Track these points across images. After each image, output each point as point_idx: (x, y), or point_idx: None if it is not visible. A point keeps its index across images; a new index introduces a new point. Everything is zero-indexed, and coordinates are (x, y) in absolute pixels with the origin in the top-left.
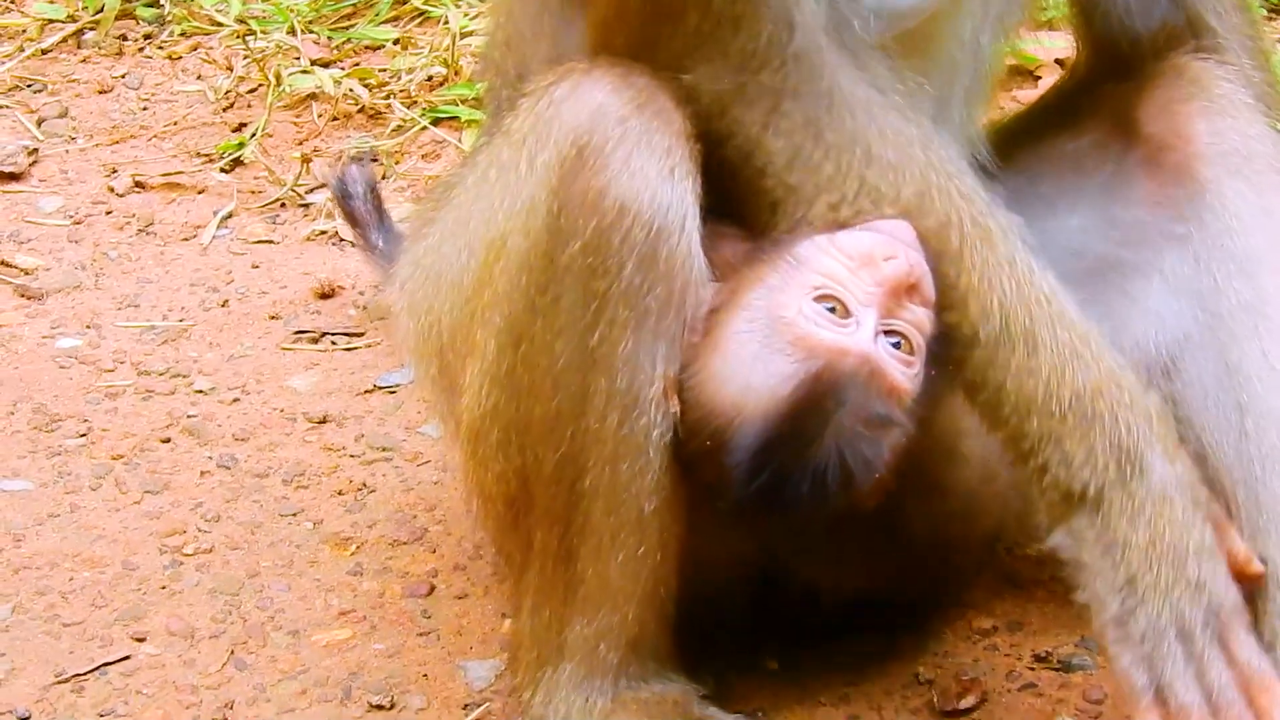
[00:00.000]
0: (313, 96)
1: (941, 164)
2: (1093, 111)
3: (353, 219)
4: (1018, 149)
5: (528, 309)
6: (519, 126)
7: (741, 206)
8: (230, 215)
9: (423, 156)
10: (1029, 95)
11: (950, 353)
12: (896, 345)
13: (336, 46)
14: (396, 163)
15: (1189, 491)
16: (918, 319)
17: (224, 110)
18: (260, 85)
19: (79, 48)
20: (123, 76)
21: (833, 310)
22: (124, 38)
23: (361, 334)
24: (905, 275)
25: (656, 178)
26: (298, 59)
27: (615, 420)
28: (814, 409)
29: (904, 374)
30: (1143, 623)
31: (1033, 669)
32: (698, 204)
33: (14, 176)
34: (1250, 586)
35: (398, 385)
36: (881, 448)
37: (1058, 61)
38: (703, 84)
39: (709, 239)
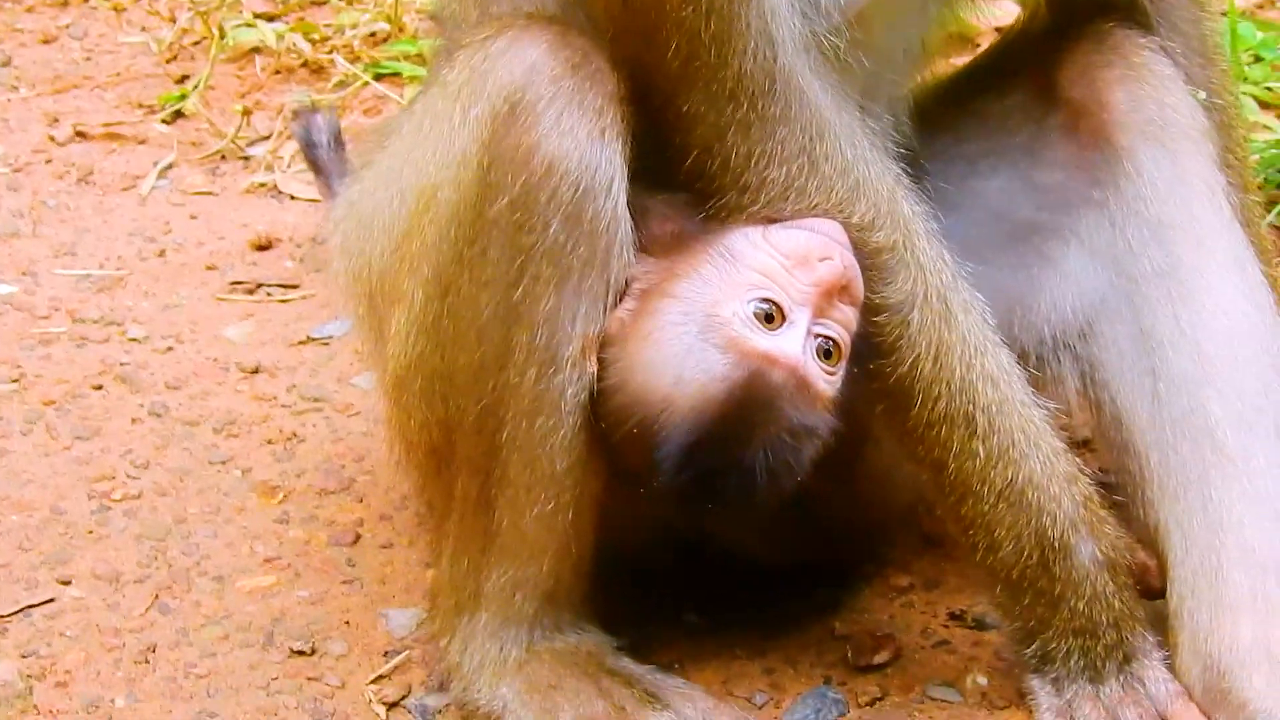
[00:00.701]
0: (256, 50)
1: (917, 221)
2: (1019, 73)
3: (316, 167)
4: (948, 108)
5: (455, 260)
6: (454, 78)
7: (673, 182)
8: (170, 166)
9: (364, 112)
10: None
11: (870, 351)
12: (825, 349)
13: (281, 1)
14: (338, 117)
15: (1110, 565)
16: (846, 318)
17: (167, 62)
18: (204, 38)
19: None
20: (67, 26)
21: (767, 312)
22: None
23: (297, 286)
24: (839, 277)
25: (586, 138)
26: (241, 12)
27: (533, 375)
28: (743, 414)
29: (829, 383)
30: (1053, 677)
31: (947, 627)
32: (626, 167)
33: None
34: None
35: (331, 337)
36: (805, 454)
37: (998, 30)
38: (700, 111)
39: (637, 211)
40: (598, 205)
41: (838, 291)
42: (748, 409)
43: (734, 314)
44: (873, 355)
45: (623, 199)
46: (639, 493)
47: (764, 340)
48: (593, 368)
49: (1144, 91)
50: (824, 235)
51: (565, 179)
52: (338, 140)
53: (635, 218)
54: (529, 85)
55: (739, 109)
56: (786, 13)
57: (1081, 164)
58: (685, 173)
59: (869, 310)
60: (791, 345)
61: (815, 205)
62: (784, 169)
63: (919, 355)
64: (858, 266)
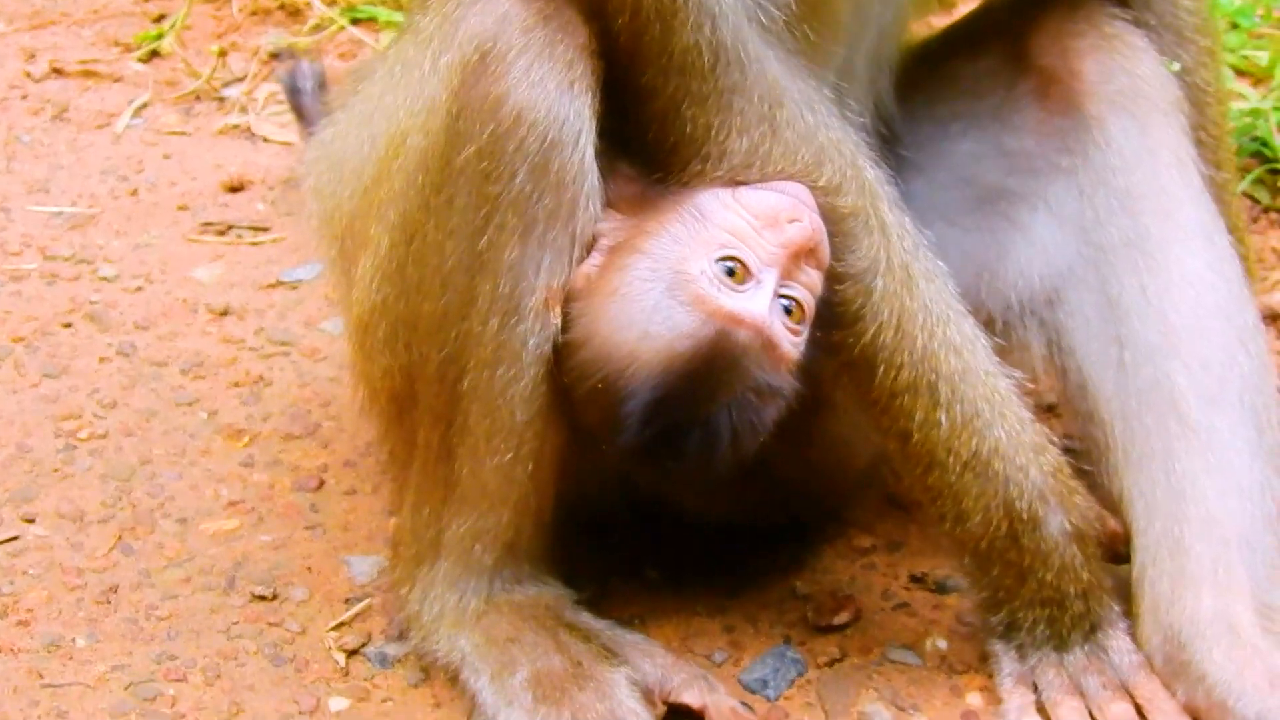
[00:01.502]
0: None
1: (879, 187)
2: (992, 37)
3: (300, 114)
4: (921, 70)
5: (422, 207)
6: (426, 25)
7: (642, 138)
8: (145, 105)
9: (339, 55)
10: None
11: (831, 315)
12: (789, 310)
13: None
14: (313, 60)
15: (1078, 536)
16: (812, 281)
17: (145, 0)
18: None
19: None
20: None
21: (734, 272)
22: None
23: (268, 229)
24: (808, 239)
25: (555, 90)
26: None
27: (495, 325)
28: (708, 372)
29: (793, 344)
30: (1018, 644)
31: (908, 589)
32: (595, 120)
33: None
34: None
35: (300, 281)
36: (768, 414)
37: None
38: (655, 84)
39: (605, 167)
40: (565, 157)
41: (805, 254)
42: (713, 367)
43: (701, 272)
44: (833, 320)
45: (590, 152)
46: (599, 448)
47: (730, 299)
48: (556, 319)
49: (1115, 62)
50: (793, 197)
51: (533, 130)
52: (322, 88)
53: (603, 173)
54: (500, 34)
55: (690, 81)
56: None
57: (1051, 131)
58: (649, 141)
59: (831, 277)
60: (758, 305)
61: (780, 171)
62: (745, 138)
63: (881, 323)
64: (825, 230)
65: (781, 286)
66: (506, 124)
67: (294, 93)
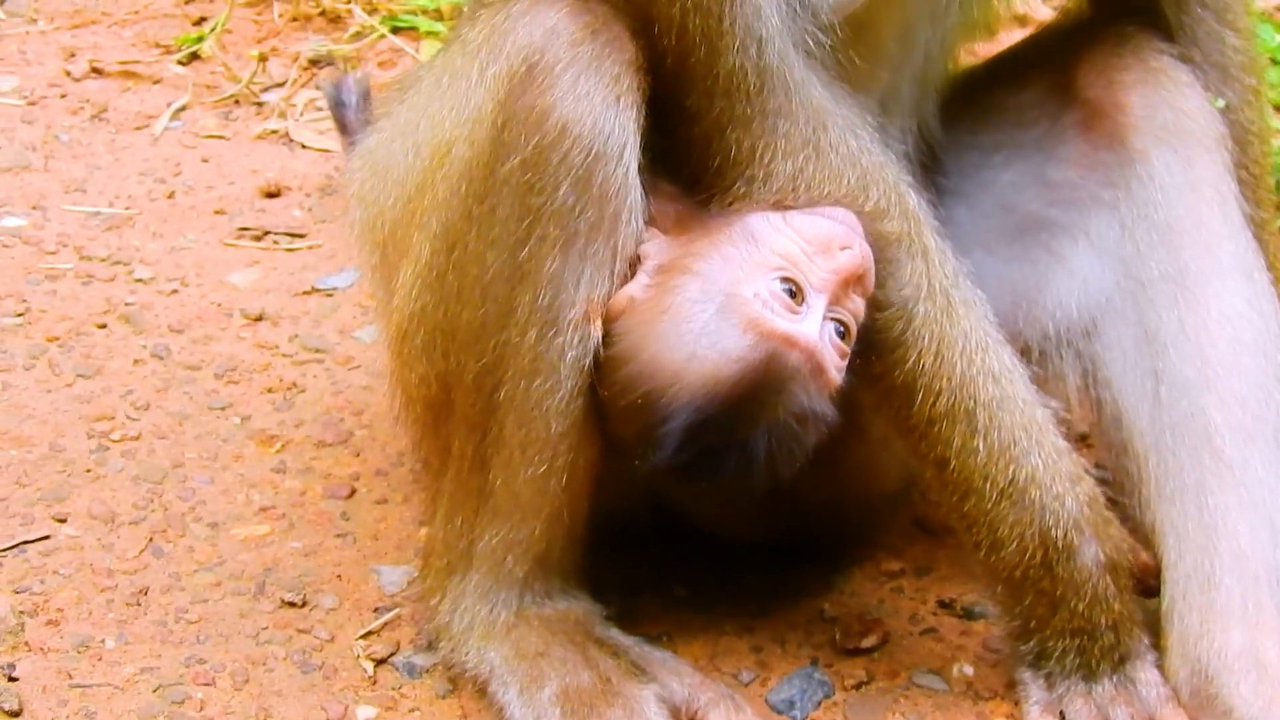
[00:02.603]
0: None
1: (922, 213)
2: (1038, 68)
3: (343, 126)
4: (967, 98)
5: (464, 216)
6: (474, 36)
7: (682, 162)
8: (184, 108)
9: (379, 64)
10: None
11: (870, 341)
12: (842, 335)
13: None
14: (353, 68)
15: (1112, 567)
16: (857, 309)
17: (186, 3)
18: None
19: None
20: None
21: (790, 294)
22: None
23: (304, 235)
24: (858, 266)
25: (601, 104)
26: None
27: (534, 336)
28: (753, 395)
29: (837, 369)
30: (1046, 673)
31: (936, 614)
32: (640, 135)
33: None
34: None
35: (335, 288)
36: (808, 439)
37: (1017, 19)
38: (700, 107)
39: (649, 184)
40: (608, 171)
41: (854, 281)
42: (758, 390)
43: (755, 294)
44: (872, 345)
45: (634, 166)
46: (632, 463)
47: (783, 322)
48: (597, 333)
49: (1160, 96)
50: (843, 224)
51: (577, 143)
52: (367, 100)
53: (645, 190)
54: (547, 48)
55: (736, 104)
56: (771, 10)
57: (1094, 164)
58: (693, 162)
59: (872, 303)
60: (810, 328)
61: (826, 194)
62: (790, 161)
63: (921, 350)
64: (872, 257)
65: (830, 312)
66: (551, 136)
67: (338, 105)
